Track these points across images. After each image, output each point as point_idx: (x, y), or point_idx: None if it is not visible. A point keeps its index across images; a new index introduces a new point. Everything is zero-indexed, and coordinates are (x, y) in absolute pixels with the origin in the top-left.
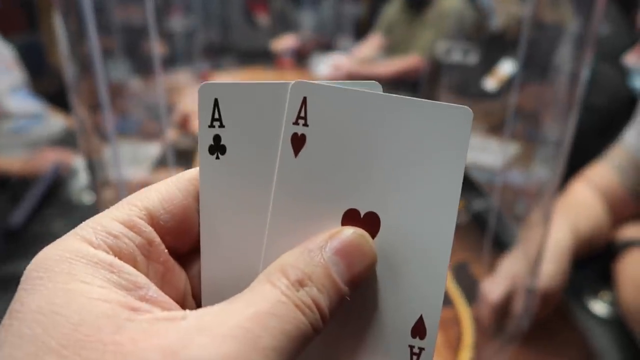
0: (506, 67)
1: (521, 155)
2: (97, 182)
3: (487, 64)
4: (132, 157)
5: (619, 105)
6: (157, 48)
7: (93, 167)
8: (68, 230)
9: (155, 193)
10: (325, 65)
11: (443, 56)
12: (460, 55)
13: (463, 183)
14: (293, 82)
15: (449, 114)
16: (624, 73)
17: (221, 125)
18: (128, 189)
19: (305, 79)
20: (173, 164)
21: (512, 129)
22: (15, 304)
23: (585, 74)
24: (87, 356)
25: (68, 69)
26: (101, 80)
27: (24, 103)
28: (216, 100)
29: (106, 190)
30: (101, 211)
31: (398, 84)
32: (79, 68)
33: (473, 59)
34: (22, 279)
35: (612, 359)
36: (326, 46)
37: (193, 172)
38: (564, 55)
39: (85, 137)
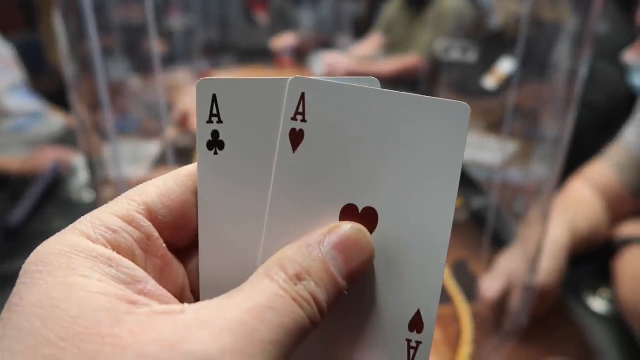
0: (505, 66)
1: (520, 153)
2: (97, 180)
3: (487, 62)
4: (132, 156)
5: (617, 103)
6: (156, 47)
7: (93, 165)
8: None
9: (154, 188)
10: (321, 63)
11: (442, 54)
12: (459, 53)
13: (462, 181)
14: (291, 77)
15: (447, 110)
16: (623, 71)
17: (219, 121)
18: (128, 187)
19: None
20: (173, 162)
21: (511, 127)
22: (14, 298)
23: (583, 71)
24: (86, 349)
25: (68, 68)
26: (101, 79)
27: (24, 102)
28: (214, 96)
29: (106, 189)
30: None
31: (397, 82)
32: (79, 67)
33: (472, 57)
34: (21, 272)
35: (611, 356)
36: (325, 44)
37: (191, 168)
38: (562, 53)
39: (86, 136)
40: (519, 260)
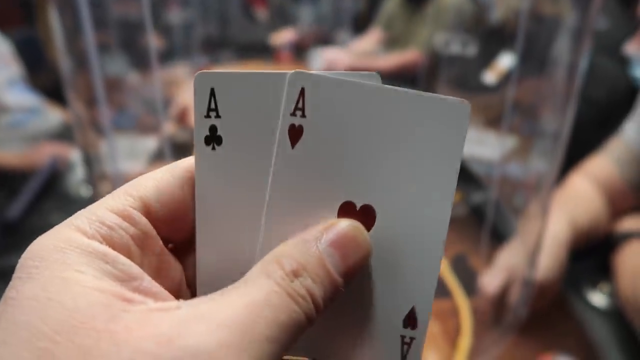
0: (505, 61)
1: (519, 148)
2: (95, 175)
3: (486, 57)
4: (129, 151)
5: (617, 98)
6: (153, 42)
7: (90, 161)
8: None
9: (151, 182)
10: (320, 59)
11: (442, 48)
12: (459, 47)
13: (461, 176)
14: (291, 72)
15: (447, 107)
16: (623, 66)
17: (217, 116)
18: (125, 182)
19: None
20: (170, 158)
21: (510, 121)
22: (10, 292)
23: (583, 66)
24: (80, 343)
25: (64, 63)
26: (97, 75)
27: (22, 97)
28: (212, 90)
29: (103, 184)
30: None
31: (397, 78)
32: (75, 63)
33: (472, 50)
34: (17, 267)
35: (611, 350)
36: (325, 40)
37: (189, 162)
38: (562, 48)
39: (82, 132)
40: (518, 254)
